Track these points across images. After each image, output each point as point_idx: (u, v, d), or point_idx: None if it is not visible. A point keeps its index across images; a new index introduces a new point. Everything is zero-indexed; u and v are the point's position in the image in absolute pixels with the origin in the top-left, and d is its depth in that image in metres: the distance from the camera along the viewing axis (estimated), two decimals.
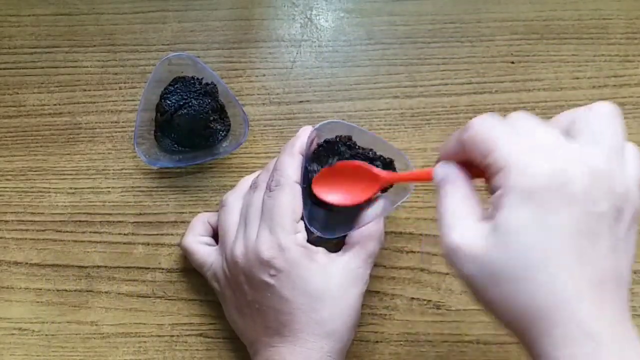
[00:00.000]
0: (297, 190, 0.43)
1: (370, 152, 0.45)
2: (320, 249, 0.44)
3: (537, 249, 0.30)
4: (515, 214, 0.30)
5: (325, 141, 0.45)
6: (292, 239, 0.42)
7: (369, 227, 0.45)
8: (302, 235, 0.43)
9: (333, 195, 0.44)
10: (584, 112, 0.32)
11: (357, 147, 0.45)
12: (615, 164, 0.31)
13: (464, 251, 0.32)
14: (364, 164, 0.44)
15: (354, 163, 0.44)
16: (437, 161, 0.37)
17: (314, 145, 0.45)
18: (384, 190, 0.45)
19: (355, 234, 0.45)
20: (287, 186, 0.43)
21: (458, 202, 0.33)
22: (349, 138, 0.45)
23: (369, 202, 0.45)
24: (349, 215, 0.45)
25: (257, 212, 0.44)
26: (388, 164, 0.45)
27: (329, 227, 0.45)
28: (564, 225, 0.30)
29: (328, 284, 0.42)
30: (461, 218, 0.33)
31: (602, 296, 0.30)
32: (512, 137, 0.32)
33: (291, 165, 0.43)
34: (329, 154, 0.45)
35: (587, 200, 0.30)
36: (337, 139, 0.45)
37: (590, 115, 0.32)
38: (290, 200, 0.43)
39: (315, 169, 0.45)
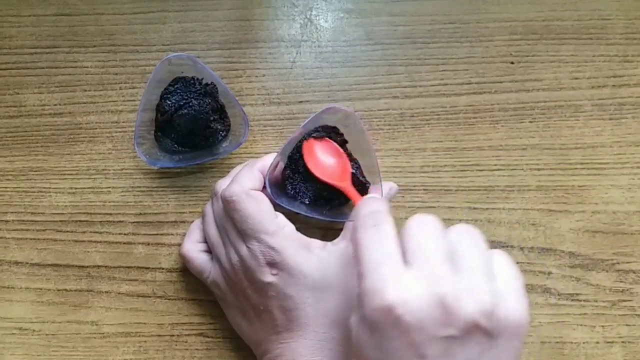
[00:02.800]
0: (255, 194, 0.43)
1: (354, 166, 0.46)
2: (315, 240, 0.44)
3: None
4: (360, 331, 0.33)
5: (322, 127, 0.47)
6: (281, 237, 0.42)
7: None
8: (290, 227, 0.44)
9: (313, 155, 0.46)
10: (455, 234, 0.34)
11: (347, 151, 0.47)
12: (466, 284, 0.31)
13: (350, 333, 0.34)
14: (347, 159, 0.46)
15: (342, 151, 0.46)
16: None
17: (279, 169, 0.47)
18: (346, 200, 0.46)
19: (351, 222, 0.45)
20: (243, 195, 0.43)
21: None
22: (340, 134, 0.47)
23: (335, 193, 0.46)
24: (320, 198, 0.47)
25: (231, 225, 0.44)
26: (362, 184, 0.46)
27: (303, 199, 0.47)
28: (400, 350, 0.31)
29: (328, 273, 0.43)
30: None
31: None
32: (375, 258, 0.33)
33: (248, 178, 0.44)
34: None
35: (426, 327, 0.31)
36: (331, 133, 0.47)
37: (455, 235, 0.34)
38: (256, 205, 0.43)
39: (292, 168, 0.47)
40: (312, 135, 0.47)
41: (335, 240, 0.45)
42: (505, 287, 0.32)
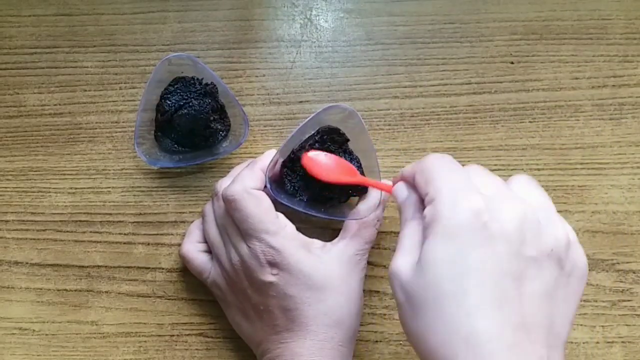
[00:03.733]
0: (257, 193, 0.43)
1: (355, 165, 0.46)
2: (315, 240, 0.44)
3: (452, 283, 0.30)
4: (434, 247, 0.31)
5: (322, 129, 0.46)
6: (282, 237, 0.42)
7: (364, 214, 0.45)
8: (290, 227, 0.44)
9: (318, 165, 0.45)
10: (518, 178, 0.35)
11: (349, 151, 0.47)
12: (544, 218, 0.32)
13: (396, 278, 0.32)
14: (351, 167, 0.45)
15: (342, 161, 0.45)
16: (395, 181, 0.38)
17: (278, 166, 0.46)
18: (354, 194, 0.46)
19: (350, 222, 0.45)
20: (245, 194, 0.43)
21: (415, 230, 0.34)
22: (340, 134, 0.47)
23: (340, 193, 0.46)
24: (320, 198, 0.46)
25: (232, 225, 0.44)
26: (360, 190, 0.46)
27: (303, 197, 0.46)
28: (483, 264, 0.30)
29: (328, 273, 0.43)
30: (412, 247, 0.33)
31: (524, 340, 0.29)
32: (452, 175, 0.33)
33: (249, 177, 0.44)
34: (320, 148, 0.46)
35: (513, 242, 0.30)
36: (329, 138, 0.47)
37: (523, 180, 0.35)
38: (258, 204, 0.43)
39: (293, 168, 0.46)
40: (311, 145, 0.46)
41: (334, 241, 0.45)
42: (573, 237, 0.33)
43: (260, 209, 0.43)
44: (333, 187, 0.45)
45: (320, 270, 0.43)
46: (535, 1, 0.52)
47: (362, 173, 0.46)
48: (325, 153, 0.45)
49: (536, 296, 0.30)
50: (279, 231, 0.43)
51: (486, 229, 0.30)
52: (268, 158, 0.46)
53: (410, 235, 0.33)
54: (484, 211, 0.30)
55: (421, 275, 0.31)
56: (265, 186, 0.45)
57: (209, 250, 0.47)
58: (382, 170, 0.49)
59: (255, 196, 0.43)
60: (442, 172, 0.33)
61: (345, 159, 0.46)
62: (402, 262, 0.32)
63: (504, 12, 0.52)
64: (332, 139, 0.47)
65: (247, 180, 0.43)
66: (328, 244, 0.45)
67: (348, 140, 0.47)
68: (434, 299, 0.30)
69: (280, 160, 0.46)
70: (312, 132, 0.46)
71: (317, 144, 0.46)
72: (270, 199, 0.44)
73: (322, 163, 0.45)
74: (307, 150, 0.45)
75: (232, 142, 0.50)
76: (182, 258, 0.48)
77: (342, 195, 0.46)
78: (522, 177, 0.35)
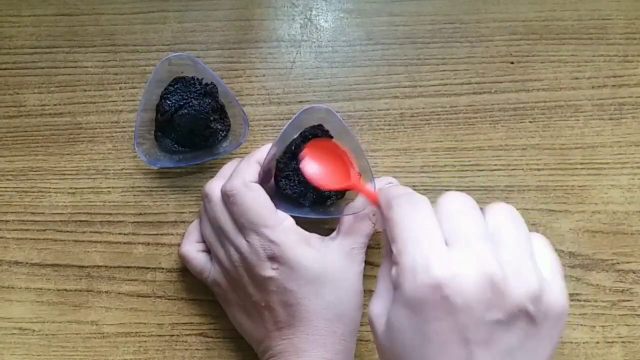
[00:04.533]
0: (256, 187, 0.43)
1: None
2: (314, 234, 0.44)
3: (414, 351, 0.30)
4: (398, 313, 0.30)
5: (306, 130, 0.46)
6: (281, 231, 0.42)
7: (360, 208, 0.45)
8: (289, 221, 0.44)
9: (312, 168, 0.44)
10: (492, 213, 0.32)
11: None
12: (513, 271, 0.30)
13: (372, 325, 0.33)
14: (346, 156, 0.44)
15: (341, 149, 0.44)
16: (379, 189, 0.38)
17: (273, 159, 0.46)
18: (342, 195, 0.46)
19: (347, 217, 0.45)
20: (243, 187, 0.43)
21: (388, 272, 0.33)
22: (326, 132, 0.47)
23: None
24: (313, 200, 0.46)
25: (230, 224, 0.44)
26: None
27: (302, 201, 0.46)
28: (444, 335, 0.29)
29: (327, 267, 0.43)
30: (387, 290, 0.33)
31: None
32: (417, 235, 0.31)
33: (247, 171, 0.44)
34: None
35: (475, 310, 0.29)
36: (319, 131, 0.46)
37: (501, 215, 0.32)
38: (257, 198, 0.43)
39: (292, 164, 0.46)
40: (306, 137, 0.46)
41: (332, 235, 0.45)
42: (549, 273, 0.31)
43: (259, 203, 0.43)
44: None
45: (320, 264, 0.43)
46: (536, 1, 0.52)
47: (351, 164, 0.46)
48: (324, 144, 0.45)
49: (502, 355, 0.29)
50: (278, 225, 0.43)
51: (447, 302, 0.29)
52: (264, 151, 0.45)
53: (384, 276, 0.33)
54: (445, 284, 0.29)
55: (390, 334, 0.31)
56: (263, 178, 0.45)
57: (209, 250, 0.47)
58: (382, 170, 0.49)
59: (254, 190, 0.43)
60: (405, 232, 0.31)
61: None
62: (378, 308, 0.33)
63: (504, 12, 0.52)
64: (315, 136, 0.46)
65: (245, 174, 0.44)
66: (326, 238, 0.45)
67: (332, 137, 0.47)
68: (401, 358, 0.31)
69: (273, 172, 0.46)
70: (295, 136, 0.46)
71: (302, 144, 0.45)
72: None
73: (320, 166, 0.45)
74: (302, 157, 0.45)
75: (232, 142, 0.50)
76: (181, 258, 0.48)
77: (340, 192, 0.46)
78: (501, 211, 0.33)
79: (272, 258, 0.42)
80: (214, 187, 0.45)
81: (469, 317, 0.29)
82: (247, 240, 0.43)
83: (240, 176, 0.43)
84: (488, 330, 0.29)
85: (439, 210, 0.32)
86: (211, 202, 0.45)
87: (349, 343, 0.43)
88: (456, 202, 0.32)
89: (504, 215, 0.32)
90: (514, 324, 0.29)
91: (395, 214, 0.32)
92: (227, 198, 0.43)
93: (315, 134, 0.46)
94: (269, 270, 0.42)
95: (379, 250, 0.49)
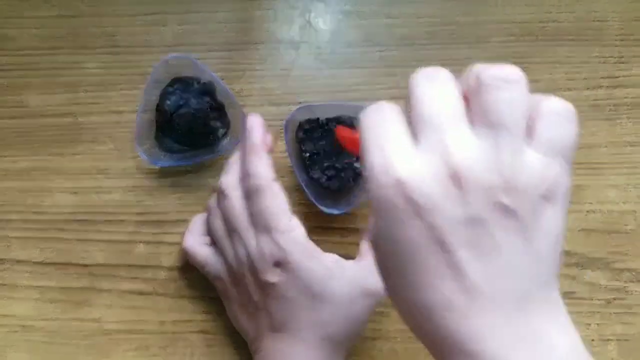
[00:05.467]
0: (277, 188, 0.43)
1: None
2: (330, 254, 0.44)
3: (397, 266, 0.27)
4: (373, 223, 0.27)
5: (312, 120, 0.48)
6: (292, 239, 0.42)
7: None
8: (301, 231, 0.43)
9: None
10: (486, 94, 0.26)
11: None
12: (496, 152, 0.25)
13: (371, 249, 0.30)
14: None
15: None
16: None
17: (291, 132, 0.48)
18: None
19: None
20: (267, 189, 0.42)
21: None
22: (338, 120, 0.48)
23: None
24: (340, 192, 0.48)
25: (244, 221, 0.43)
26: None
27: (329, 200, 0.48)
28: (416, 239, 0.25)
29: (331, 286, 0.42)
30: None
31: (487, 308, 0.25)
32: (378, 136, 0.27)
33: (261, 165, 0.43)
34: (321, 133, 0.48)
35: (441, 208, 0.25)
36: (326, 120, 0.48)
37: (485, 98, 0.26)
38: (276, 201, 0.42)
39: (309, 149, 0.48)
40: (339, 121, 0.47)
41: (354, 260, 0.45)
42: (540, 151, 0.25)
43: (277, 204, 0.42)
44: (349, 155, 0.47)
45: (324, 280, 0.42)
46: (532, 3, 0.52)
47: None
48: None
49: (490, 255, 0.25)
50: (290, 232, 0.42)
51: (412, 203, 0.25)
52: (258, 130, 0.44)
53: None
54: (405, 183, 0.25)
55: (374, 252, 0.29)
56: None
57: (212, 244, 0.47)
58: None
59: (275, 191, 0.43)
60: (369, 139, 0.27)
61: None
62: (370, 225, 0.29)
63: (501, 14, 0.52)
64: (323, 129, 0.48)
65: (267, 170, 0.43)
66: (344, 260, 0.44)
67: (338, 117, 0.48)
68: (387, 271, 0.28)
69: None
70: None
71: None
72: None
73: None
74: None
75: (232, 139, 0.50)
76: (184, 252, 0.47)
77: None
78: (489, 78, 0.26)
79: (278, 264, 0.42)
80: (231, 181, 0.44)
81: (439, 218, 0.25)
82: (257, 240, 0.42)
83: (263, 171, 0.42)
84: (463, 230, 0.25)
85: (408, 97, 0.27)
86: (227, 197, 0.44)
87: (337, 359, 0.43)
88: (423, 86, 0.27)
89: (493, 84, 0.26)
90: (492, 220, 0.25)
91: (361, 126, 0.28)
92: (254, 191, 0.42)
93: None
94: (272, 276, 0.42)
95: None
